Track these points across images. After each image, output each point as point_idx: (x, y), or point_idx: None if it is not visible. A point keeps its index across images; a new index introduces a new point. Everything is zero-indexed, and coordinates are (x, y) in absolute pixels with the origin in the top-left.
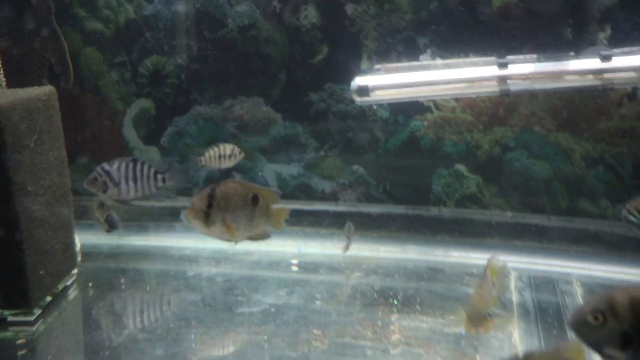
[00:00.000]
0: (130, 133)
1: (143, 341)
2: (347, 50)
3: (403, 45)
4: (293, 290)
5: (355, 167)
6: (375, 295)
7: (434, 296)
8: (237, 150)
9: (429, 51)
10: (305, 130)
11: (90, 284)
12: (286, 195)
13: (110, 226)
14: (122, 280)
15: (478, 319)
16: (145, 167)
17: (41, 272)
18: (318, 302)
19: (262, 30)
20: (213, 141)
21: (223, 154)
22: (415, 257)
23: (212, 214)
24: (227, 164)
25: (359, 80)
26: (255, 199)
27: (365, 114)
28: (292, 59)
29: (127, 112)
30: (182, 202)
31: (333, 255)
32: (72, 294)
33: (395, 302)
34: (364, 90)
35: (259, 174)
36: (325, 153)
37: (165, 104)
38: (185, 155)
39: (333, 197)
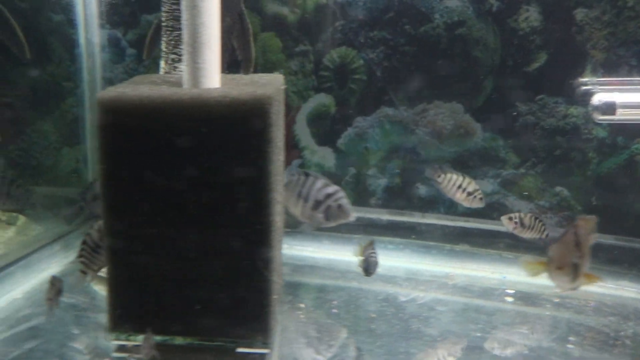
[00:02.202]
0: (302, 131)
1: None
2: (568, 60)
3: (637, 59)
4: (534, 327)
5: (558, 188)
6: (629, 342)
7: None
8: (479, 195)
9: None
10: (507, 144)
11: (302, 305)
12: (477, 214)
13: (365, 271)
14: (334, 303)
15: None
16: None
17: (276, 295)
18: (571, 347)
19: (472, 29)
20: (397, 148)
21: (463, 187)
22: (636, 296)
23: (580, 264)
24: (461, 199)
25: (603, 96)
26: None
27: (579, 132)
28: (503, 65)
29: (302, 108)
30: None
31: (543, 285)
32: None
33: None
34: (609, 108)
35: None
36: (526, 171)
37: (347, 102)
38: (362, 161)
39: None
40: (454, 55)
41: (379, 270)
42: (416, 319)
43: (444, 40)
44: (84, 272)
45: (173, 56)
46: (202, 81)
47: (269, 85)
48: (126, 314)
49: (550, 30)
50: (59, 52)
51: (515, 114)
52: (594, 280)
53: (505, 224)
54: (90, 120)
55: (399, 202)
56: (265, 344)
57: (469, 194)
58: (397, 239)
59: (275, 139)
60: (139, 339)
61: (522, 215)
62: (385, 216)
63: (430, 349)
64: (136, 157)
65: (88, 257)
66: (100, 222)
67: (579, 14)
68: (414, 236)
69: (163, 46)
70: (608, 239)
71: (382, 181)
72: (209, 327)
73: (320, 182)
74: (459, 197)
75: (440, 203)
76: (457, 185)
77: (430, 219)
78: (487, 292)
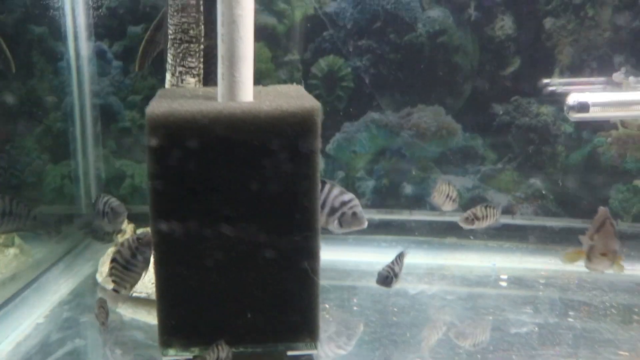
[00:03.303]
0: None
1: None
2: (538, 64)
3: (597, 63)
4: (536, 307)
5: (532, 180)
6: (615, 310)
7: None
8: (457, 199)
9: (623, 69)
10: (485, 142)
11: (326, 305)
12: (461, 208)
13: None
14: (354, 301)
15: None
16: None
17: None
18: (571, 320)
19: (453, 37)
20: (384, 150)
21: (450, 196)
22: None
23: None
24: (448, 207)
25: (577, 97)
26: None
27: (548, 129)
28: (481, 69)
29: None
30: None
31: (527, 269)
32: None
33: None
34: (583, 107)
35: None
36: (503, 166)
37: (335, 109)
38: (350, 165)
39: (508, 211)
40: (436, 61)
41: (378, 267)
42: (433, 309)
43: (426, 48)
44: (116, 291)
45: (180, 69)
46: (238, 94)
47: (305, 97)
48: (178, 328)
49: (522, 38)
50: (41, 65)
51: (493, 114)
52: (620, 262)
53: (464, 226)
54: (80, 134)
55: (387, 201)
56: (313, 345)
57: (453, 200)
58: (390, 237)
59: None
60: (190, 353)
61: (473, 210)
62: (376, 216)
63: (458, 334)
64: (188, 172)
65: (120, 275)
66: (129, 238)
67: (548, 22)
68: (417, 233)
69: (169, 58)
70: (576, 223)
71: (370, 183)
72: (260, 334)
73: (336, 190)
74: (447, 205)
75: (426, 200)
76: (446, 195)
77: (418, 216)
78: (483, 280)
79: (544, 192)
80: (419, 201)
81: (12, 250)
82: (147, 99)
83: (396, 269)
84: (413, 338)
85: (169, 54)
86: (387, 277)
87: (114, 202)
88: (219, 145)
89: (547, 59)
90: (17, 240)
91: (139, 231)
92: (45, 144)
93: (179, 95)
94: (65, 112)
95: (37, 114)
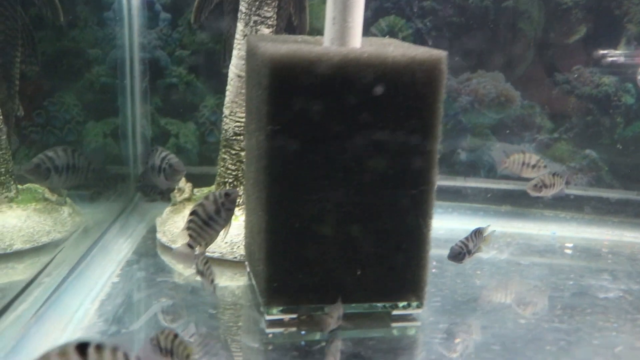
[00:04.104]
0: None
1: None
2: (605, 33)
3: None
4: (612, 275)
5: (588, 151)
6: None
7: None
8: (542, 163)
9: None
10: (543, 111)
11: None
12: (513, 176)
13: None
14: (433, 263)
15: None
16: None
17: None
18: None
19: (519, 2)
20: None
21: (527, 163)
22: None
23: None
24: (529, 174)
25: None
26: None
27: (609, 99)
28: (545, 36)
29: None
30: None
31: (591, 239)
32: None
33: None
34: None
35: (488, 152)
36: (560, 135)
37: None
38: None
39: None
40: (499, 26)
41: (442, 232)
42: (512, 273)
43: (491, 11)
44: (191, 247)
45: (255, 18)
46: (349, 40)
47: (419, 46)
48: (283, 287)
49: (591, 5)
50: (84, 15)
51: (553, 82)
52: None
53: (532, 193)
54: (128, 90)
55: (441, 167)
56: (420, 304)
57: (534, 166)
58: (445, 203)
59: None
60: (295, 313)
61: (542, 177)
62: None
63: (549, 298)
64: (308, 116)
65: (197, 231)
66: (216, 193)
67: None
68: (489, 195)
69: (243, 7)
70: (631, 195)
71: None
72: (367, 292)
73: None
74: (526, 172)
75: (480, 167)
76: (521, 163)
77: (473, 183)
78: (549, 248)
79: (599, 164)
80: (474, 168)
81: (66, 209)
82: (196, 54)
83: (470, 245)
84: (507, 299)
85: (242, 3)
86: (459, 253)
87: (173, 158)
88: (342, 90)
89: (615, 28)
90: (68, 199)
91: (196, 190)
92: (86, 100)
93: (283, 40)
94: (111, 66)
95: (78, 68)
